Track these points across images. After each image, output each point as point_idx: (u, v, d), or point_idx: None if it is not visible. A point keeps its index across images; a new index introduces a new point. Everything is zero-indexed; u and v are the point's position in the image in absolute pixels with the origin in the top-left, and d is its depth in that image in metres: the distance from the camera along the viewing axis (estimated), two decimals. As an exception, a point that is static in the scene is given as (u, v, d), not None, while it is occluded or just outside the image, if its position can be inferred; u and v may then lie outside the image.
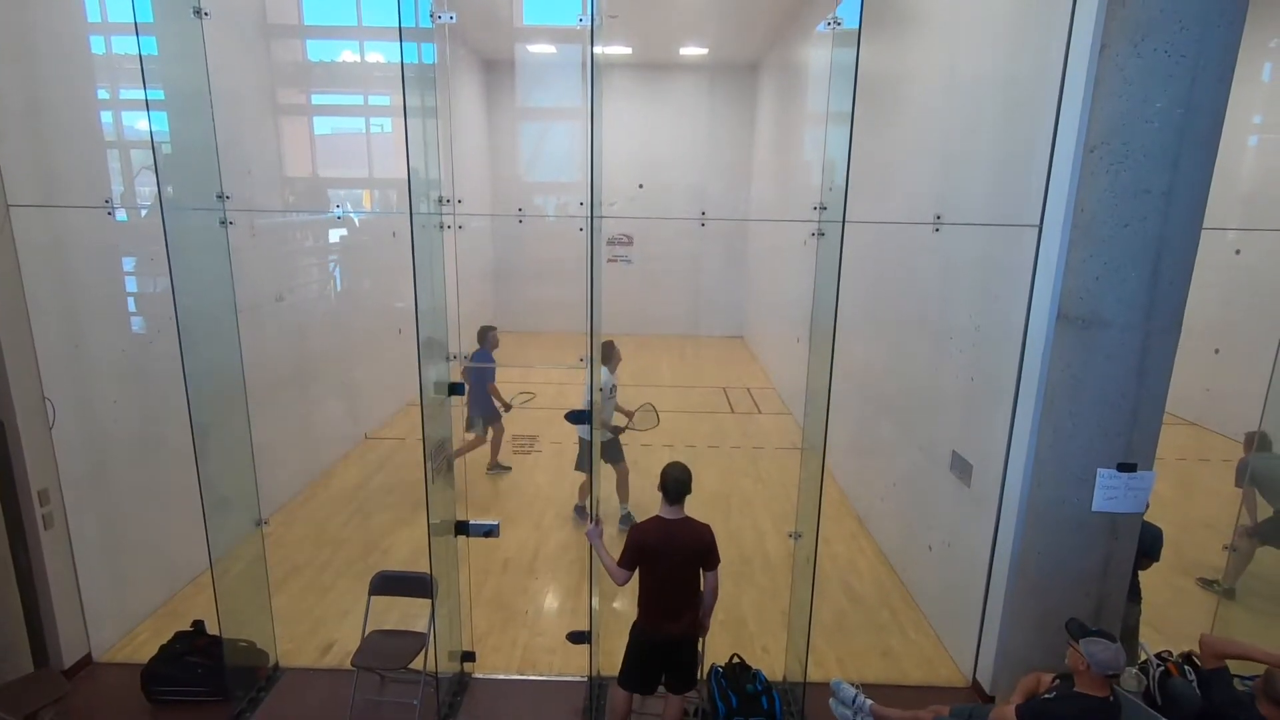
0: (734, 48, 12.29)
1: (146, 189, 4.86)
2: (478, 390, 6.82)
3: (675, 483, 3.39)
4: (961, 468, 4.43)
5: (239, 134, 5.63)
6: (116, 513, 4.46)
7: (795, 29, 9.78)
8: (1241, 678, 3.24)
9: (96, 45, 4.56)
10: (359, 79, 8.23)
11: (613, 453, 6.14)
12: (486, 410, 6.93)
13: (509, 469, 7.42)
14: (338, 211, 7.95)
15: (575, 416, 4.27)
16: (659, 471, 3.44)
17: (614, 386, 6.09)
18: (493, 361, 6.92)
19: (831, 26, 3.57)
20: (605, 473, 6.64)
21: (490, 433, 7.12)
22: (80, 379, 4.23)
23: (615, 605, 4.97)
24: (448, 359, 3.98)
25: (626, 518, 6.08)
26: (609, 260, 13.42)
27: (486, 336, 6.88)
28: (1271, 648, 3.05)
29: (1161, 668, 3.51)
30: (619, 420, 6.14)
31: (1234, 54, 2.92)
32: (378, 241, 8.53)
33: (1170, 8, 2.86)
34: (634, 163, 12.76)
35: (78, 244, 4.19)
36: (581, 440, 6.19)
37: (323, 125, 7.99)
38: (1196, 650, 3.50)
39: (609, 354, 6.15)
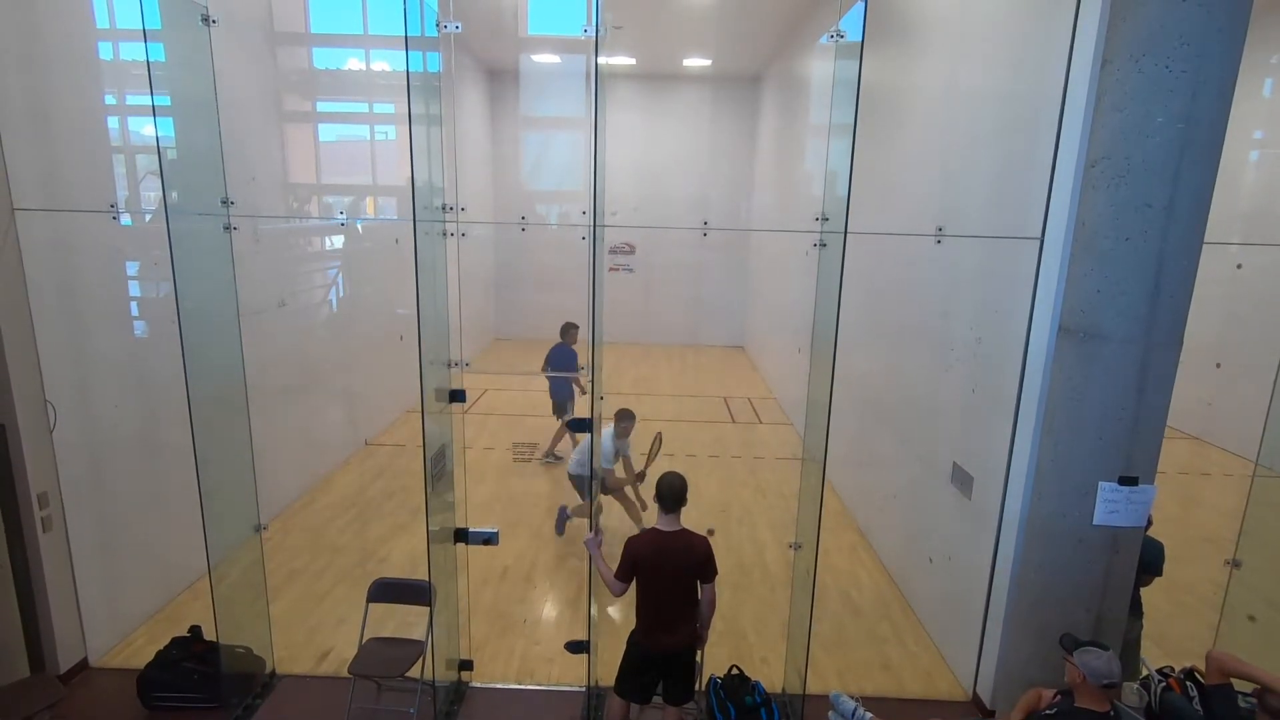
0: (737, 59, 12.37)
1: (151, 194, 4.89)
2: (562, 380, 7.58)
3: (671, 490, 3.38)
4: (962, 480, 4.42)
5: (244, 140, 5.67)
6: (115, 516, 4.45)
7: (798, 41, 9.85)
8: (1243, 694, 3.22)
9: (104, 51, 4.60)
10: (364, 87, 8.28)
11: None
12: (568, 397, 7.64)
13: (561, 459, 7.73)
14: (341, 218, 7.98)
15: (577, 425, 4.27)
16: (655, 481, 3.43)
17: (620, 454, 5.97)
18: (575, 355, 7.58)
19: (834, 39, 3.59)
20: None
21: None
22: (82, 382, 4.24)
23: (611, 611, 4.94)
24: (449, 366, 3.99)
25: (563, 511, 6.04)
26: (611, 269, 13.46)
27: (569, 333, 7.54)
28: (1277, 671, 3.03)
29: (1163, 683, 3.49)
30: (637, 462, 5.97)
31: (1235, 69, 2.93)
32: (380, 248, 8.56)
33: (1172, 23, 2.88)
34: (637, 172, 12.82)
35: (82, 248, 4.21)
36: (572, 475, 5.99)
37: (327, 132, 8.04)
38: (1199, 666, 3.48)
39: (624, 420, 5.98)
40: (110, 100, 4.67)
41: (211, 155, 3.80)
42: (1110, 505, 3.26)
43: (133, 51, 4.67)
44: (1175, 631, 4.60)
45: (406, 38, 3.25)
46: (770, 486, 7.29)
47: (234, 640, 4.03)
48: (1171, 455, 4.44)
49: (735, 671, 4.04)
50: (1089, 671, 2.84)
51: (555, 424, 7.89)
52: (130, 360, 4.60)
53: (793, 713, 4.03)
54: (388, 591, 4.09)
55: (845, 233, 3.50)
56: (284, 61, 6.81)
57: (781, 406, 10.20)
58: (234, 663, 4.03)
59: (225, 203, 3.88)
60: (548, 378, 7.77)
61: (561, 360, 7.45)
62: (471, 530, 4.09)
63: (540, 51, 12.45)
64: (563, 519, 6.03)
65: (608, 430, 5.76)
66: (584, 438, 5.74)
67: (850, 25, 3.49)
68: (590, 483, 4.09)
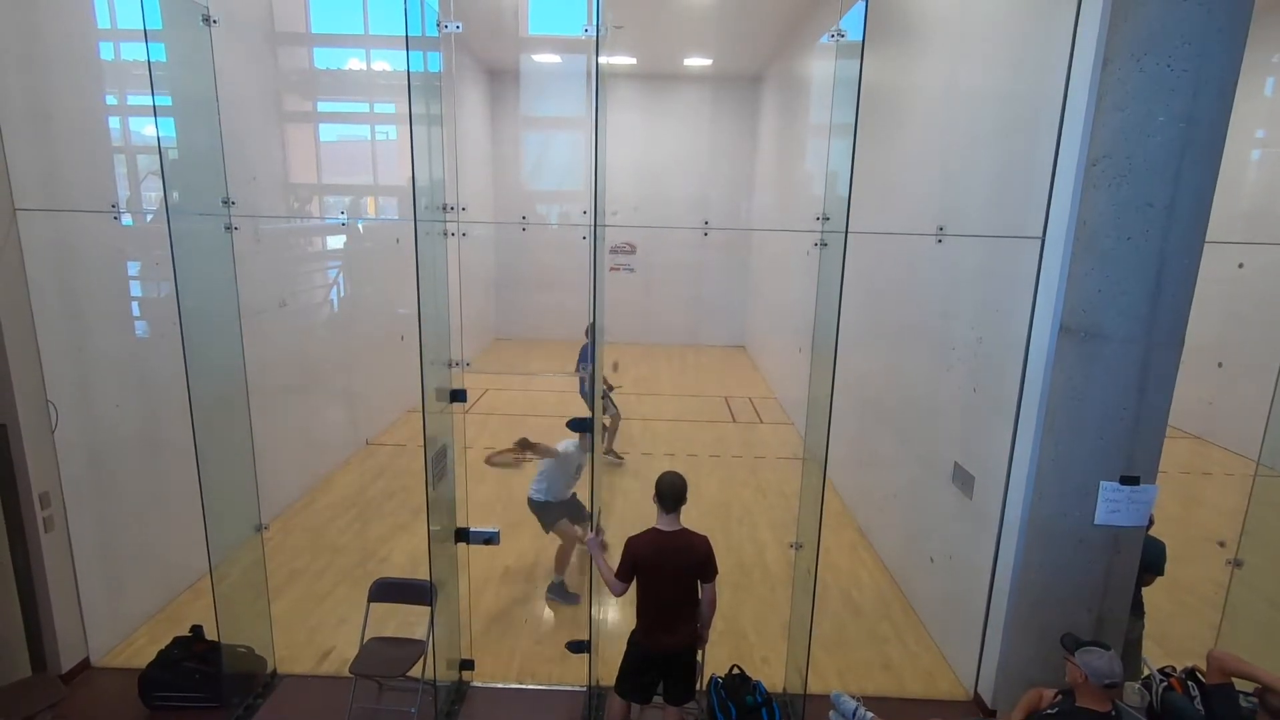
0: (738, 59, 12.37)
1: (152, 194, 4.89)
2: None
3: (671, 490, 3.37)
4: (963, 479, 4.42)
5: (245, 140, 5.67)
6: (116, 516, 4.46)
7: (798, 41, 9.84)
8: (1245, 694, 3.22)
9: (105, 51, 4.60)
10: (365, 87, 8.28)
11: (553, 515, 5.19)
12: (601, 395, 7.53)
13: (623, 459, 7.74)
14: (342, 218, 7.99)
15: (577, 424, 4.27)
16: (654, 480, 3.43)
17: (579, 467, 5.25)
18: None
19: (835, 38, 3.59)
20: (611, 478, 6.63)
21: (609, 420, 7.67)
22: (83, 382, 4.24)
23: (600, 615, 4.94)
24: (449, 366, 3.99)
25: (557, 587, 5.20)
26: (611, 269, 13.46)
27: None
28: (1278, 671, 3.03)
29: (1164, 683, 3.49)
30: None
31: (1236, 69, 2.93)
32: (381, 248, 8.57)
33: (1173, 23, 2.88)
34: (637, 172, 12.82)
35: (83, 248, 4.21)
36: (533, 500, 5.20)
37: (328, 132, 8.05)
38: (1200, 666, 3.48)
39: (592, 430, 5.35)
40: (111, 100, 4.68)
41: (212, 155, 3.80)
42: (1112, 505, 3.26)
43: (134, 51, 4.67)
44: (1176, 631, 4.60)
45: (407, 38, 3.25)
46: (771, 486, 7.29)
47: (235, 640, 4.03)
48: (1173, 455, 4.43)
49: (736, 671, 4.03)
50: (1091, 672, 2.84)
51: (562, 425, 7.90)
52: (131, 360, 4.60)
53: (794, 712, 4.03)
54: (389, 591, 4.09)
55: (846, 232, 3.50)
56: (285, 61, 6.82)
57: (782, 406, 10.20)
58: (235, 662, 4.04)
59: (226, 203, 3.88)
60: (580, 377, 7.80)
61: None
62: (472, 530, 4.09)
63: (541, 51, 12.44)
64: (562, 593, 5.21)
65: (572, 442, 5.18)
66: (545, 463, 5.16)
67: (851, 25, 3.49)
68: (593, 495, 4.06)
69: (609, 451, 7.74)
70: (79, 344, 4.21)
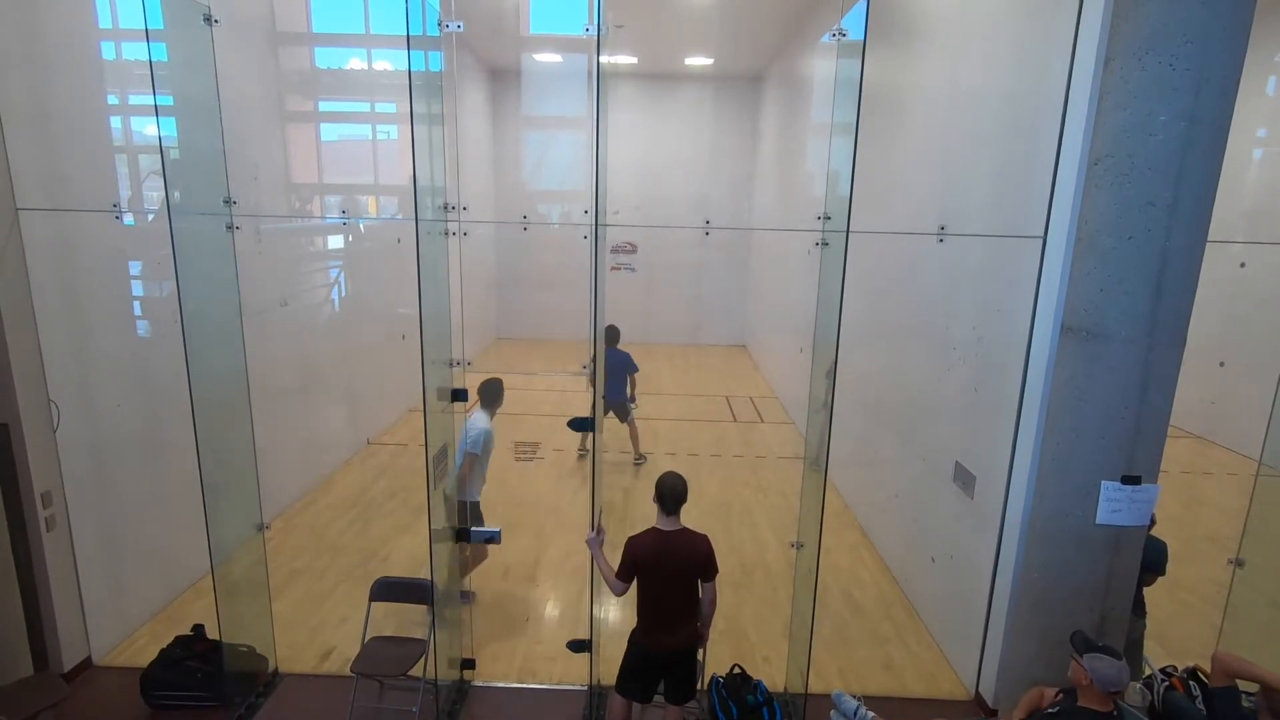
0: (739, 59, 12.36)
1: (154, 193, 4.90)
2: (617, 381, 7.49)
3: (671, 491, 3.37)
4: (964, 479, 4.42)
5: (246, 140, 5.67)
6: (118, 515, 4.46)
7: (800, 40, 9.84)
8: (1247, 694, 3.22)
9: (107, 51, 4.60)
10: (366, 86, 8.29)
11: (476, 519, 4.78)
12: (622, 399, 7.60)
13: (644, 459, 7.85)
14: (343, 217, 7.99)
15: (578, 423, 4.27)
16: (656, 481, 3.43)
17: (488, 435, 4.75)
18: (628, 356, 7.60)
19: (836, 38, 3.59)
20: (620, 479, 6.63)
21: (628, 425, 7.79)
22: (85, 381, 4.25)
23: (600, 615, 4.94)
24: (450, 365, 3.99)
25: (467, 595, 4.83)
26: (612, 269, 13.46)
27: (614, 336, 7.55)
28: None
29: (1166, 683, 3.49)
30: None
31: (1238, 67, 2.93)
32: (382, 247, 8.57)
33: (1175, 21, 2.87)
34: (639, 172, 12.82)
35: (85, 247, 4.22)
36: (448, 499, 4.45)
37: (329, 132, 8.05)
38: (1202, 665, 3.48)
39: (492, 394, 4.87)
40: (113, 100, 4.68)
41: (214, 155, 3.80)
42: (1113, 504, 3.26)
43: (135, 51, 4.67)
44: (1178, 631, 4.60)
45: (409, 37, 3.25)
46: (772, 485, 7.28)
47: (237, 639, 4.04)
48: (1174, 454, 4.43)
49: (737, 670, 4.04)
50: (1098, 678, 2.83)
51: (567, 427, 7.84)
52: (133, 359, 4.61)
53: (795, 712, 4.03)
54: (390, 590, 4.09)
55: (847, 232, 3.50)
56: (286, 61, 6.82)
57: (783, 406, 10.20)
58: (236, 661, 4.04)
59: (228, 202, 3.89)
60: (631, 379, 7.84)
61: (616, 365, 7.45)
62: (474, 529, 4.10)
63: (542, 51, 12.45)
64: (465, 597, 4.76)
65: (482, 414, 4.80)
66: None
67: (852, 24, 3.49)
68: (594, 494, 4.01)
69: (638, 456, 7.84)
70: (81, 343, 4.21)
